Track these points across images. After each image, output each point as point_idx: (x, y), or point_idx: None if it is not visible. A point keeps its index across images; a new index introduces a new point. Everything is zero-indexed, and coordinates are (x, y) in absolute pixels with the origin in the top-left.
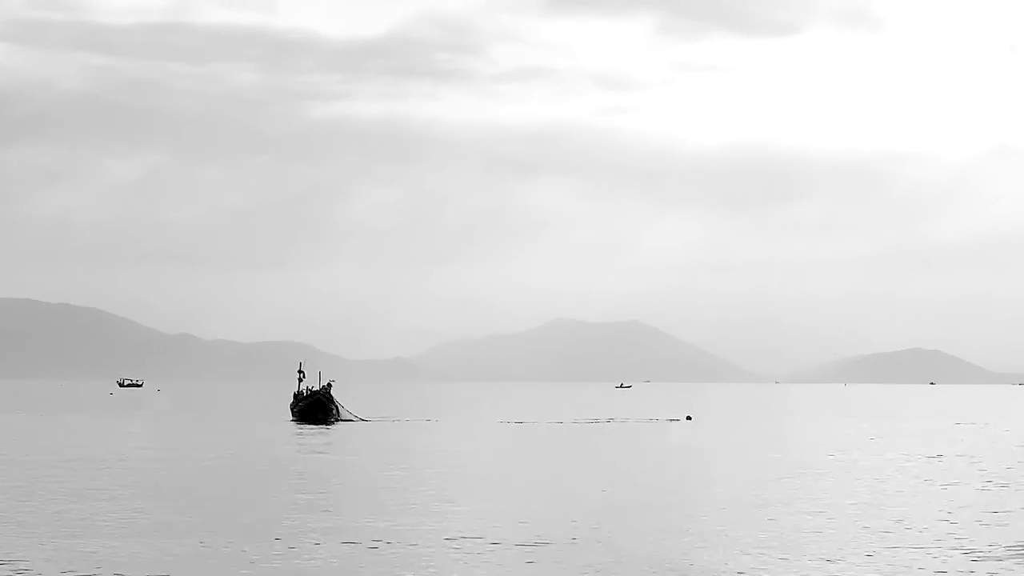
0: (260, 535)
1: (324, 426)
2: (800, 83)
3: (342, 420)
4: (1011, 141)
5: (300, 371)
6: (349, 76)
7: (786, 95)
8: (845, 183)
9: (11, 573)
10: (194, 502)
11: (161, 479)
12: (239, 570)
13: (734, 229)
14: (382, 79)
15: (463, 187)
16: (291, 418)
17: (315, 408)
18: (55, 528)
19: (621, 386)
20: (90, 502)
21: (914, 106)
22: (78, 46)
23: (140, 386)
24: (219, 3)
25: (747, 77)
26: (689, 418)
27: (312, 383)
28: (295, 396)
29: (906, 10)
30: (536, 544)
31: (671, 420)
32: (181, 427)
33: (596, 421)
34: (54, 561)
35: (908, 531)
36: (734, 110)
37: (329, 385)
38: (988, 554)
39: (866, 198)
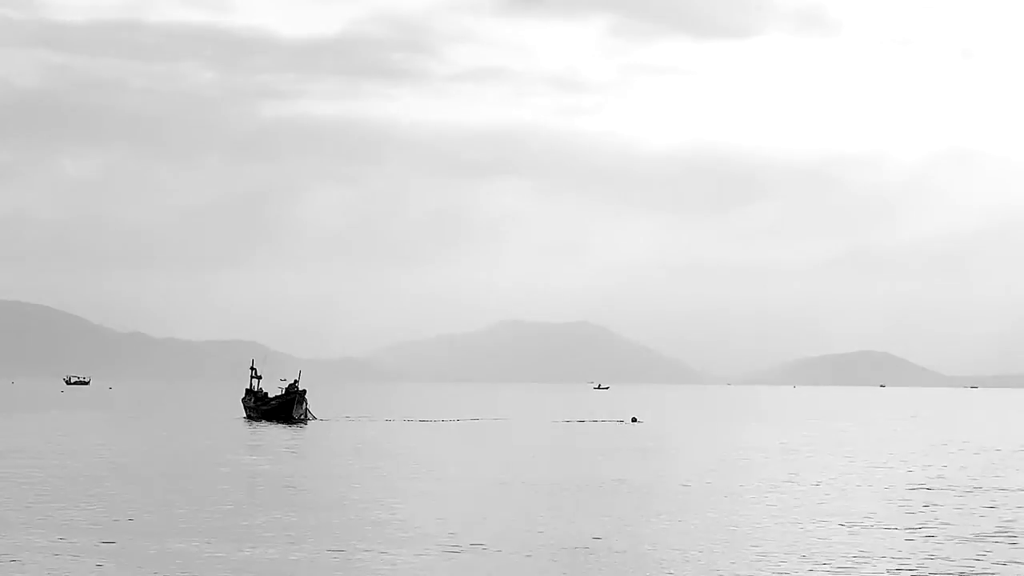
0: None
1: (297, 425)
2: (755, 86)
3: (312, 420)
4: (964, 145)
5: (252, 368)
6: (304, 75)
7: (741, 98)
8: (799, 186)
9: None
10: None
11: (104, 476)
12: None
13: (688, 231)
14: (337, 78)
15: (417, 187)
16: (245, 415)
17: (290, 406)
18: None
19: (599, 387)
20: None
21: (869, 109)
22: (34, 43)
23: (87, 383)
24: (174, 2)
25: (702, 79)
26: (635, 420)
27: (271, 382)
28: (250, 393)
29: (861, 14)
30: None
31: (618, 422)
32: (133, 425)
33: (557, 422)
34: None
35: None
36: (689, 112)
37: (295, 384)
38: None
39: (820, 201)
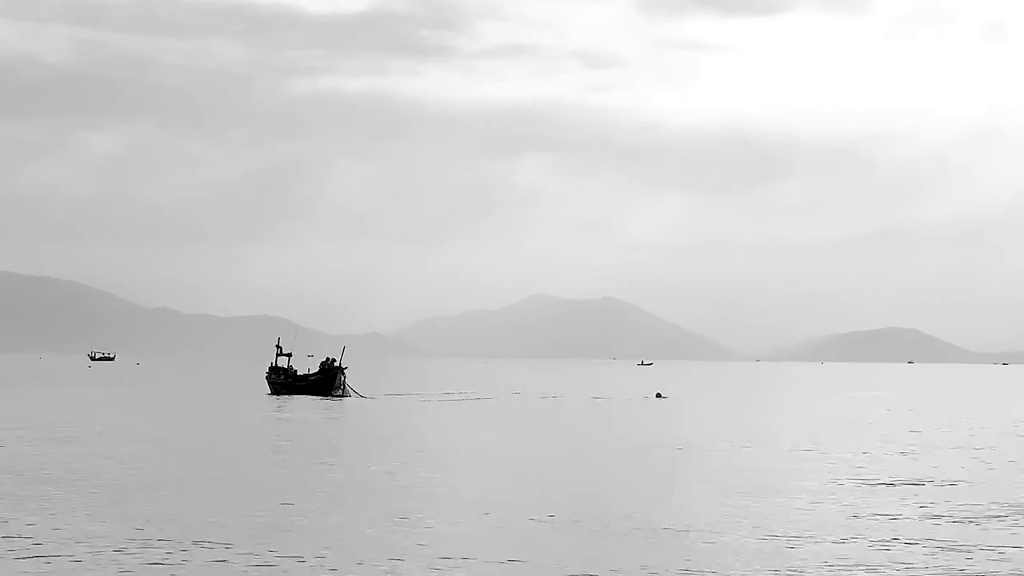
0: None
1: (334, 399)
2: (784, 62)
3: (352, 396)
4: (994, 122)
5: (278, 345)
6: (332, 52)
7: (770, 74)
8: (827, 163)
9: None
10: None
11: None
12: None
13: (716, 207)
14: (365, 55)
15: (445, 163)
16: (271, 391)
17: (329, 382)
18: None
19: (643, 363)
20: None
21: (897, 86)
22: (63, 19)
23: (112, 359)
24: None
25: (731, 56)
26: (659, 395)
27: (299, 358)
28: (274, 370)
29: None
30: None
31: (644, 398)
32: (160, 402)
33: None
34: None
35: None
36: (718, 89)
37: (329, 359)
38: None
39: (848, 178)
